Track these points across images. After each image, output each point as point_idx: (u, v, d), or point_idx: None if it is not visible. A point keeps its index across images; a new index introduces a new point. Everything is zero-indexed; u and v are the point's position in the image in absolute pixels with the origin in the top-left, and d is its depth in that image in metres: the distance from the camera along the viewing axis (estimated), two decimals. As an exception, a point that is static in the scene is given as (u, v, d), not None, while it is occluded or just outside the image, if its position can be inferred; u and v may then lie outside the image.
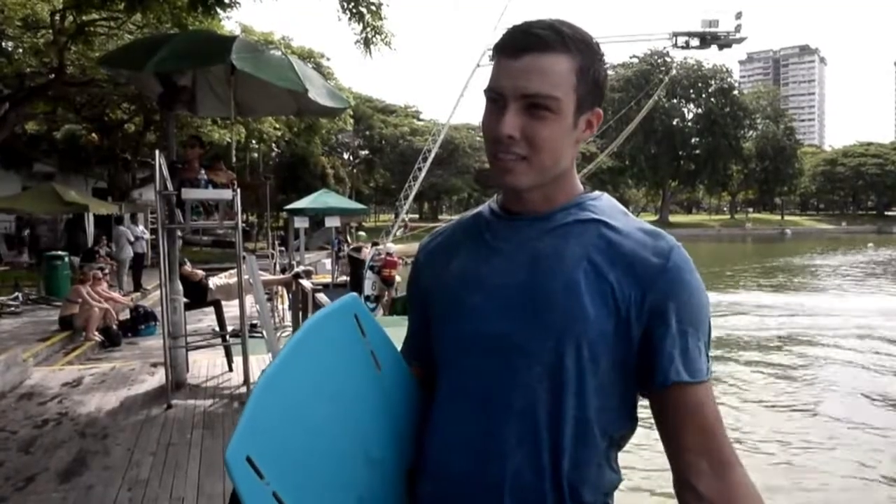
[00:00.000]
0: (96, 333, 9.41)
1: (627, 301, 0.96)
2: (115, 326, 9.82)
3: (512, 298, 1.00)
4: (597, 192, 1.09)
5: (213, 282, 6.79)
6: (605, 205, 1.06)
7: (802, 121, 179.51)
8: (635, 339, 0.98)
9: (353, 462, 1.02)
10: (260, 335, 8.17)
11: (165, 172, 5.35)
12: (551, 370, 0.97)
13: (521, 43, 0.97)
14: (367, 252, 14.46)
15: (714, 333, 1.15)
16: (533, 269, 1.00)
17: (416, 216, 61.44)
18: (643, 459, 5.42)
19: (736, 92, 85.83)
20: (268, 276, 8.85)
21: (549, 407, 0.98)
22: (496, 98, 0.99)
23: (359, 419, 1.04)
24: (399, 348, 1.20)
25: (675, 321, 0.96)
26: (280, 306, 10.39)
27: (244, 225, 6.33)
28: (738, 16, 72.09)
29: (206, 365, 6.63)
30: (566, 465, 0.98)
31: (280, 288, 9.79)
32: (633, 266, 0.97)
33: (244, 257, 5.68)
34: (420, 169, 33.77)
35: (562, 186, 1.05)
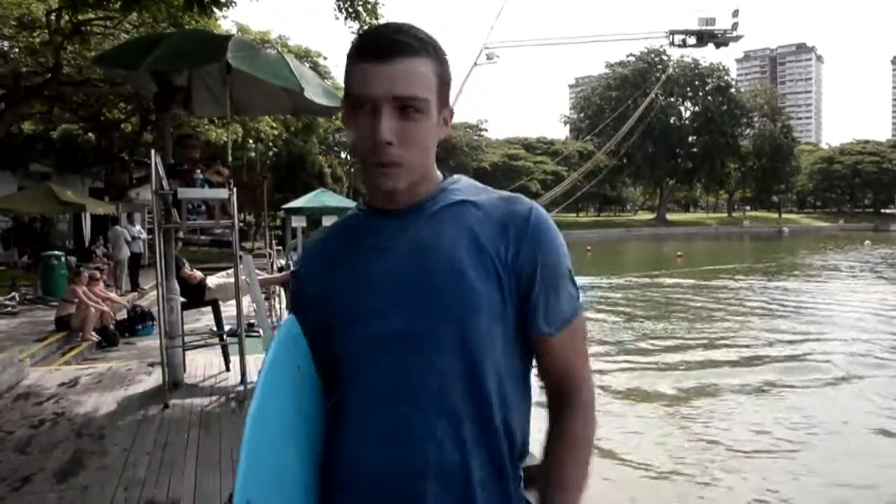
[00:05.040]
0: (93, 333, 9.39)
1: (505, 265, 1.04)
2: (112, 326, 9.80)
3: (404, 292, 1.03)
4: (456, 176, 1.15)
5: (211, 281, 6.77)
6: (465, 185, 1.13)
7: (799, 119, 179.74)
8: (516, 299, 1.05)
9: (301, 483, 1.06)
10: (257, 334, 8.16)
11: (162, 172, 5.33)
12: (454, 351, 1.02)
13: (388, 48, 0.99)
14: None
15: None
16: (417, 259, 1.04)
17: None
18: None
19: (733, 90, 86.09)
20: (265, 276, 8.84)
21: (461, 386, 1.02)
22: (363, 103, 1.00)
23: (299, 437, 1.08)
24: None
25: (540, 277, 1.05)
26: (277, 306, 10.36)
27: (241, 224, 6.32)
28: (735, 14, 72.33)
29: (203, 365, 6.61)
30: (485, 441, 1.03)
31: (277, 287, 9.77)
32: (505, 231, 1.05)
33: (241, 256, 5.67)
34: (417, 168, 33.70)
35: (427, 178, 1.10)
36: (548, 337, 1.07)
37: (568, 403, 1.07)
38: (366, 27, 8.17)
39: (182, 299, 6.05)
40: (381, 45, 0.99)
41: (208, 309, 6.76)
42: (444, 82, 1.05)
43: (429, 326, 1.02)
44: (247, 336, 5.99)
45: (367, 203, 1.14)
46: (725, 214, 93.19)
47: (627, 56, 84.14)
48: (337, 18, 8.29)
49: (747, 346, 11.87)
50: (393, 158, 1.00)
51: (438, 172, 1.13)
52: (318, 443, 1.11)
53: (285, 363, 1.07)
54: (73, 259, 14.59)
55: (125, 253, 14.84)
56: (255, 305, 6.95)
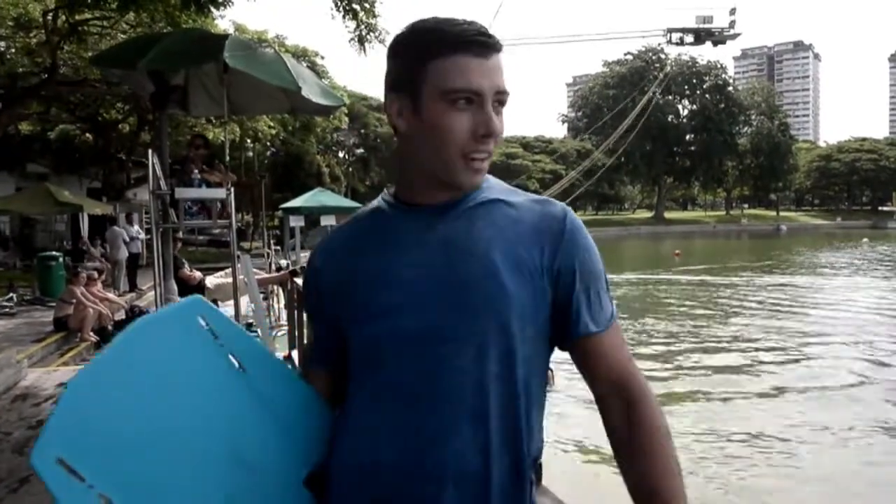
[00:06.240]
0: (91, 334, 9.37)
1: (540, 269, 1.03)
2: (110, 327, 9.77)
3: (430, 289, 1.01)
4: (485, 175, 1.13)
5: (210, 281, 6.75)
6: (495, 184, 1.12)
7: (797, 116, 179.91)
8: (549, 302, 1.04)
9: (216, 463, 1.00)
10: (255, 335, 8.14)
11: (159, 172, 5.32)
12: (482, 351, 1.00)
13: (487, 43, 1.00)
14: None
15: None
16: (447, 256, 1.02)
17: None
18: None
19: (730, 88, 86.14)
20: (263, 275, 8.83)
21: (486, 387, 1.00)
22: (470, 98, 0.99)
23: (223, 423, 1.02)
24: None
25: (578, 279, 1.04)
26: (276, 305, 10.36)
27: (239, 224, 6.32)
28: (732, 12, 72.47)
29: (201, 365, 6.60)
30: (509, 443, 1.01)
31: (276, 286, 9.76)
32: (539, 235, 1.04)
33: (239, 256, 5.66)
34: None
35: None
36: (597, 335, 1.05)
37: (637, 401, 1.03)
38: (363, 26, 8.15)
39: (180, 300, 6.04)
40: (482, 39, 1.00)
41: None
42: None
43: (460, 325, 1.00)
44: (245, 336, 5.96)
45: (395, 196, 1.11)
46: (723, 212, 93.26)
47: (625, 54, 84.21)
48: (333, 18, 8.27)
49: (747, 348, 11.87)
50: (488, 151, 1.03)
51: None
52: (226, 438, 1.03)
53: (179, 333, 1.03)
54: (68, 259, 14.57)
55: (123, 253, 14.79)
56: (253, 305, 6.95)
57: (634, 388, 1.04)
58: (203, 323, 1.05)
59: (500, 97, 1.01)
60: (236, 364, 1.06)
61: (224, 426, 1.02)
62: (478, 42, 1.00)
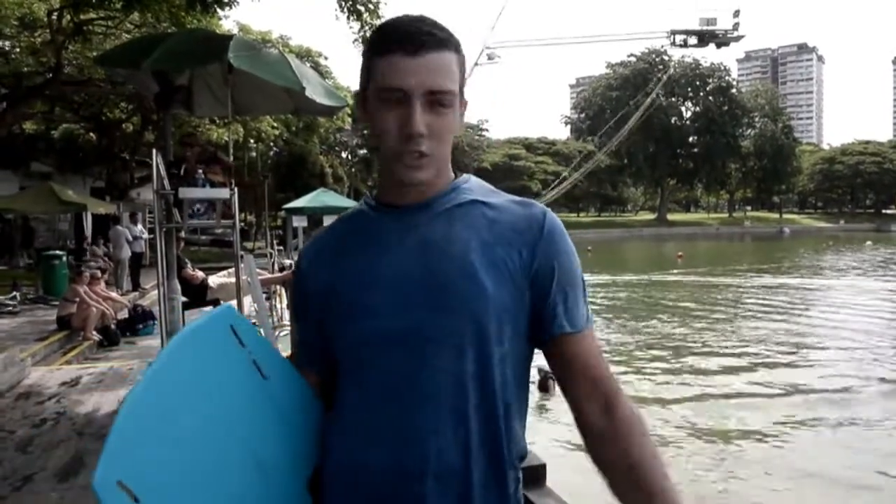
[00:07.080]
0: (94, 333, 9.39)
1: (518, 270, 1.03)
2: (113, 326, 9.79)
3: (410, 290, 1.02)
4: (465, 176, 1.14)
5: (213, 280, 6.77)
6: (475, 185, 1.12)
7: (801, 119, 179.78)
8: (528, 303, 1.05)
9: (243, 470, 1.02)
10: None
11: (163, 172, 5.34)
12: (461, 351, 1.01)
13: (419, 41, 0.99)
14: None
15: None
16: (425, 257, 1.03)
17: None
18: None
19: (734, 90, 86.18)
20: (266, 275, 8.84)
21: (469, 387, 1.01)
22: (400, 97, 0.99)
23: (245, 428, 1.04)
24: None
25: (556, 280, 1.05)
26: (278, 305, 10.38)
27: (242, 224, 6.32)
28: (736, 14, 72.43)
29: (204, 364, 6.59)
30: (488, 442, 1.02)
31: (278, 286, 9.78)
32: (518, 236, 1.04)
33: (242, 256, 5.67)
34: (418, 168, 33.70)
35: (441, 174, 1.09)
36: (574, 335, 1.05)
37: (615, 397, 1.03)
38: (367, 27, 8.17)
39: (184, 299, 6.06)
40: (414, 37, 0.99)
41: (209, 309, 6.75)
42: (463, 74, 1.05)
43: (439, 326, 1.01)
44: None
45: (375, 198, 1.13)
46: (726, 214, 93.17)
47: (628, 56, 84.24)
48: (338, 18, 8.30)
49: (747, 349, 11.83)
50: (423, 150, 1.00)
51: (451, 170, 1.13)
52: (265, 445, 1.06)
53: (214, 343, 1.04)
54: (71, 258, 14.61)
55: (126, 252, 14.82)
56: (255, 305, 6.97)
57: (611, 388, 1.04)
58: (232, 331, 1.07)
59: (438, 97, 1.00)
60: (258, 371, 1.08)
61: (247, 432, 1.04)
62: (409, 40, 0.98)
